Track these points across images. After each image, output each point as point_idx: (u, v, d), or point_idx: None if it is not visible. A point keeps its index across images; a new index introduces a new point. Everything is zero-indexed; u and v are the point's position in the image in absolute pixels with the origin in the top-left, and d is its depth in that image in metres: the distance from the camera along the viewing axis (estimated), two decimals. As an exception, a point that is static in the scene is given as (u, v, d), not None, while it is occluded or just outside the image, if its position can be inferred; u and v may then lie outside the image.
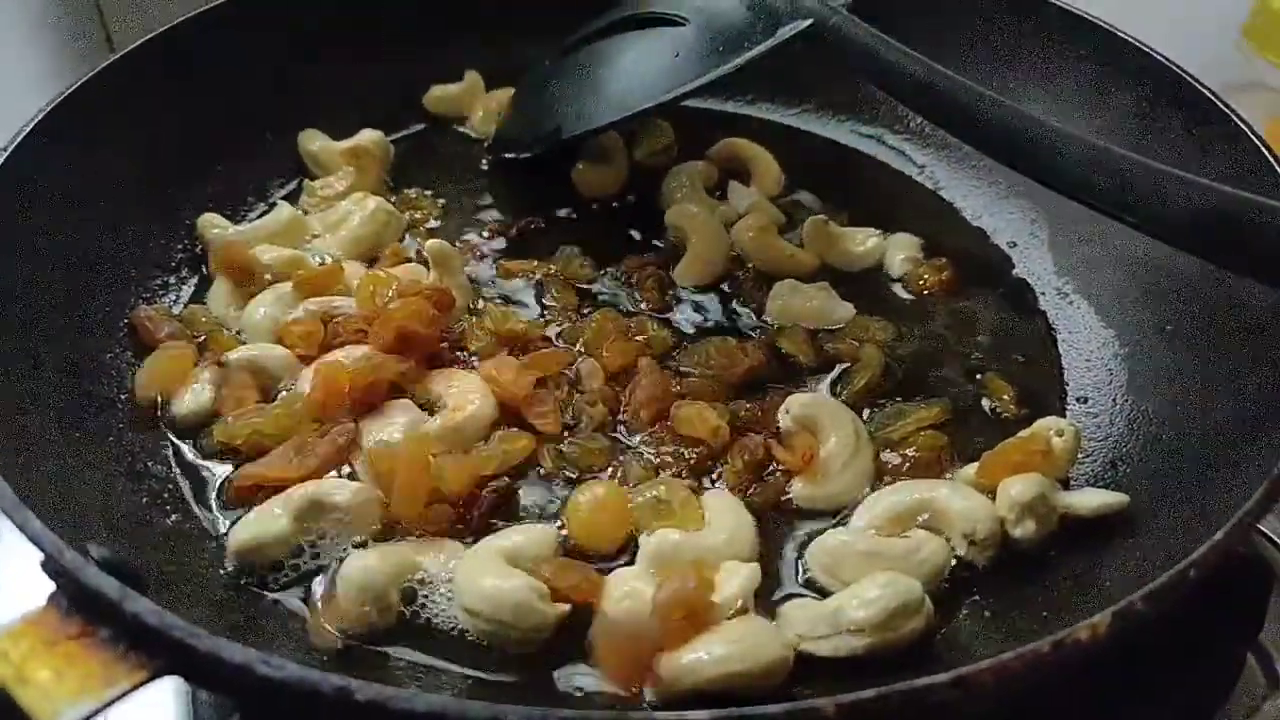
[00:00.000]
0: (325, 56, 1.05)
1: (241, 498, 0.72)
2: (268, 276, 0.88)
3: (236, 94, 1.00)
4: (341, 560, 0.68)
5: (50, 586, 0.54)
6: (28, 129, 0.81)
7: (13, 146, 0.79)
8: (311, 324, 0.82)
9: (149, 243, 0.90)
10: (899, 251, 0.95)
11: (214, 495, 0.74)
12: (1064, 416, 0.81)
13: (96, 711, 0.47)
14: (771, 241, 0.93)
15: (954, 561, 0.70)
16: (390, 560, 0.67)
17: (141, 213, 0.90)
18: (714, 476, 0.75)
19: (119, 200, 0.88)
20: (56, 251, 0.81)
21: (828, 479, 0.74)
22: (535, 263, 0.93)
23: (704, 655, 0.61)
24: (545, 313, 0.88)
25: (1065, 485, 0.75)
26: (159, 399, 0.79)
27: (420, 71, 1.10)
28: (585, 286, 0.91)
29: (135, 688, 0.49)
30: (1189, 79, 0.88)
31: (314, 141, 1.02)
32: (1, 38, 1.22)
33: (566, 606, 0.65)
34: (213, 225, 0.92)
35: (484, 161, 1.06)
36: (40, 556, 0.55)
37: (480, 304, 0.88)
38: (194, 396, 0.78)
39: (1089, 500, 0.72)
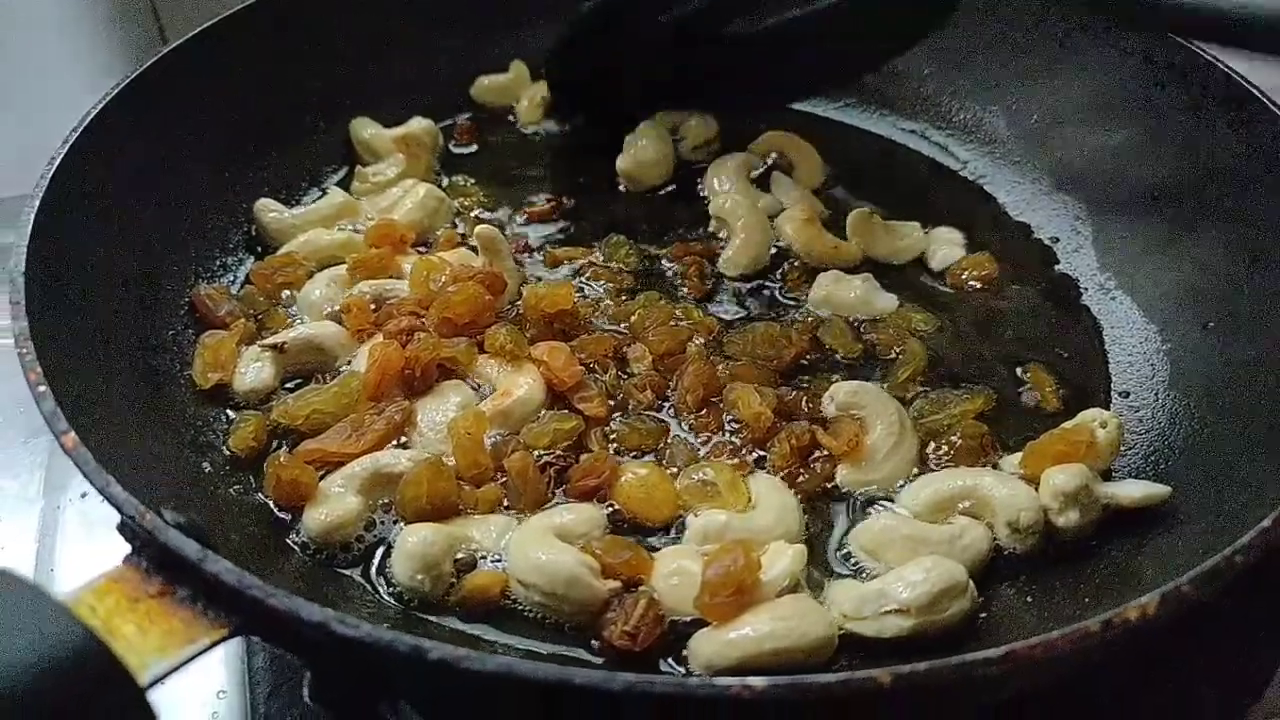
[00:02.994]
0: (376, 47, 1.08)
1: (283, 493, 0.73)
2: (312, 266, 0.90)
3: (289, 83, 1.03)
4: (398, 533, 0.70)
5: (118, 551, 0.56)
6: (89, 118, 0.83)
7: (75, 136, 0.81)
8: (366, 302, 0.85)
9: (208, 225, 0.93)
10: (941, 245, 0.96)
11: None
12: (1107, 410, 0.82)
13: (180, 666, 0.49)
14: (816, 233, 0.95)
15: (996, 548, 0.71)
16: (444, 532, 0.69)
17: (200, 197, 0.93)
18: (760, 460, 0.77)
19: (179, 185, 0.91)
20: (120, 234, 0.84)
21: (872, 465, 0.75)
22: (581, 249, 0.95)
23: (750, 631, 0.63)
24: (590, 297, 0.90)
25: (1107, 477, 0.76)
26: (218, 379, 0.81)
27: (469, 61, 1.12)
28: (630, 272, 0.92)
29: (214, 644, 0.51)
30: (1237, 77, 0.88)
31: (366, 129, 1.04)
32: (55, 30, 1.24)
33: (617, 583, 0.67)
34: (268, 209, 0.95)
35: (525, 128, 1.09)
36: (117, 520, 0.58)
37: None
38: (254, 374, 0.80)
39: (1132, 491, 0.72)
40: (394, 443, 0.76)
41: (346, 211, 0.97)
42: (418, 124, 1.04)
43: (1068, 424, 0.76)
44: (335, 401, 0.77)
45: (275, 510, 0.73)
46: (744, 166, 1.03)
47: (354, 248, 0.92)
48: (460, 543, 0.70)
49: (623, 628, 0.64)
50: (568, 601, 0.66)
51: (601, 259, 0.94)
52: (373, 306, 0.85)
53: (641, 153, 1.03)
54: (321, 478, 0.73)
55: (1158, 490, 0.72)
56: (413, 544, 0.68)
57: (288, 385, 0.82)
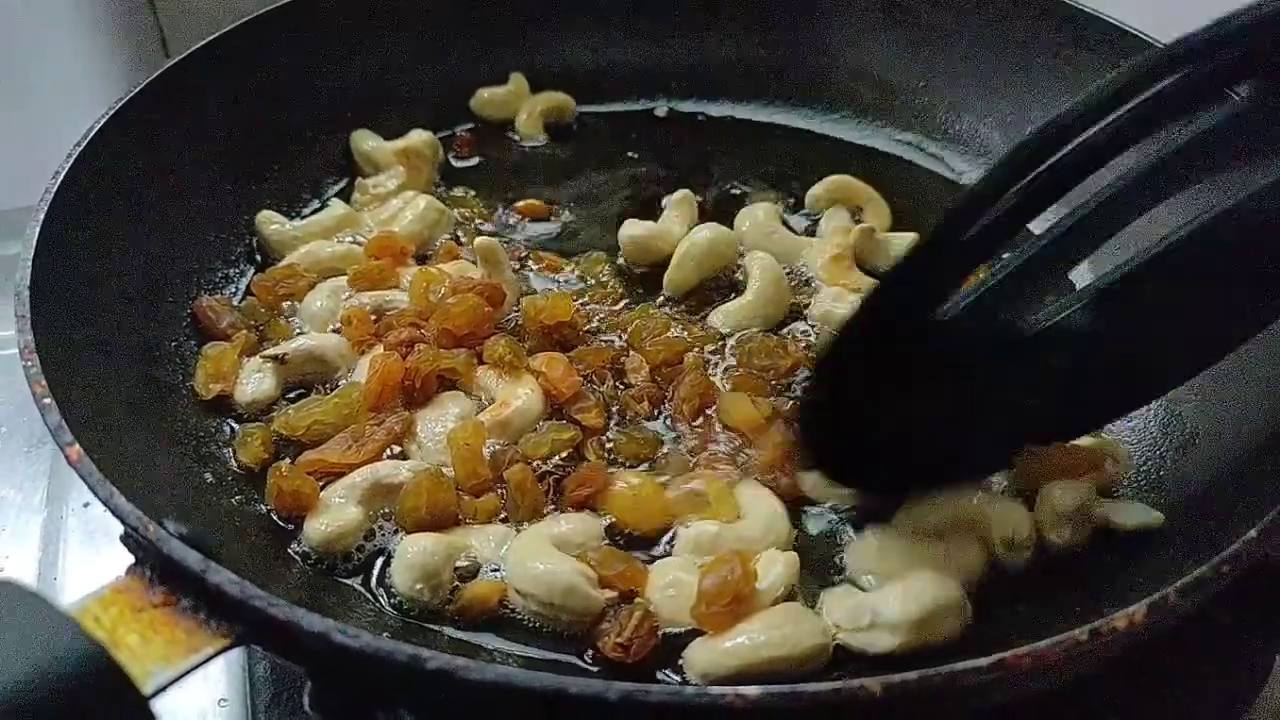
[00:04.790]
0: (377, 59, 1.09)
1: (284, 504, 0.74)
2: (313, 277, 0.91)
3: (290, 96, 1.04)
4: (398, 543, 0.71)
5: (120, 559, 0.57)
6: (93, 132, 0.83)
7: (79, 149, 0.82)
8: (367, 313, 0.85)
9: (210, 237, 0.94)
10: (937, 256, 0.97)
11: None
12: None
13: (183, 675, 0.50)
14: (844, 269, 0.93)
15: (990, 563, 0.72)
16: (443, 542, 0.70)
17: (202, 210, 0.94)
18: (749, 468, 0.77)
19: (181, 198, 0.92)
20: (124, 247, 0.84)
21: (866, 476, 0.76)
22: (561, 260, 0.95)
23: (744, 640, 0.64)
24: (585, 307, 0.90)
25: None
26: (220, 390, 0.81)
27: (468, 74, 1.13)
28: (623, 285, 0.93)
29: (217, 653, 0.52)
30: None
31: (366, 141, 1.05)
32: (58, 43, 1.25)
33: (613, 593, 0.68)
34: (270, 221, 0.96)
35: (525, 141, 1.10)
36: (120, 529, 0.59)
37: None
38: (255, 385, 0.81)
39: (1127, 518, 0.73)
40: (392, 453, 0.77)
41: (347, 223, 0.98)
42: (418, 136, 1.05)
43: (1073, 444, 0.76)
44: (336, 412, 0.78)
45: (277, 520, 0.74)
46: (773, 213, 0.99)
47: (354, 259, 0.92)
48: (460, 552, 0.71)
49: (615, 639, 0.65)
50: (565, 610, 0.67)
51: (577, 273, 0.94)
52: (373, 318, 0.86)
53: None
54: (322, 488, 0.74)
55: (1152, 517, 0.73)
56: (413, 554, 0.69)
57: (289, 396, 0.83)
